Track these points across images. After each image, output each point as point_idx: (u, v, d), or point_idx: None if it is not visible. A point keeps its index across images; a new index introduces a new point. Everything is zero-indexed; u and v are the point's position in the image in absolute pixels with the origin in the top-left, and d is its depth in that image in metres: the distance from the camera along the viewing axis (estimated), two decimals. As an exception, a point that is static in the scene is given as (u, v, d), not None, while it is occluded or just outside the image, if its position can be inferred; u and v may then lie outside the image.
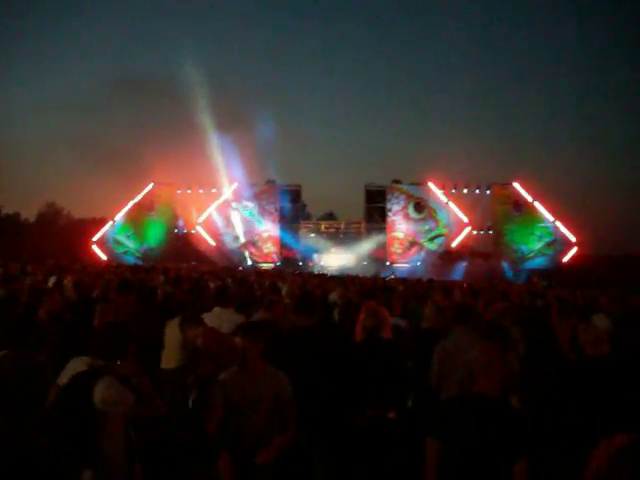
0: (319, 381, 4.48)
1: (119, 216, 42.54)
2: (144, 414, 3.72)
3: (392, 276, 28.08)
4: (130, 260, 38.86)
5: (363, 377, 4.44)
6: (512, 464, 3.09)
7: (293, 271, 29.83)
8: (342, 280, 16.37)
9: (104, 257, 39.82)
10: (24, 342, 4.39)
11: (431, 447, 3.28)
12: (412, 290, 12.14)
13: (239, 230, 43.38)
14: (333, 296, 9.72)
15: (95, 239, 41.31)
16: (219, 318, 6.45)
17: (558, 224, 40.70)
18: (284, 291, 9.75)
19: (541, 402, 4.93)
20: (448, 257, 40.83)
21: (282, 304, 6.84)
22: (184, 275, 15.45)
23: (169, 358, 6.43)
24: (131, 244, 42.47)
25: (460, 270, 38.33)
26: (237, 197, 43.62)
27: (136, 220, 42.80)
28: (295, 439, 4.01)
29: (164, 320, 6.69)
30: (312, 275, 21.76)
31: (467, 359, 4.16)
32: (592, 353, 4.82)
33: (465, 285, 17.47)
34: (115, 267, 23.16)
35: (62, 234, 48.02)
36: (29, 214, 60.38)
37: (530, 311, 8.25)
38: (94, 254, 40.11)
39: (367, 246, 43.16)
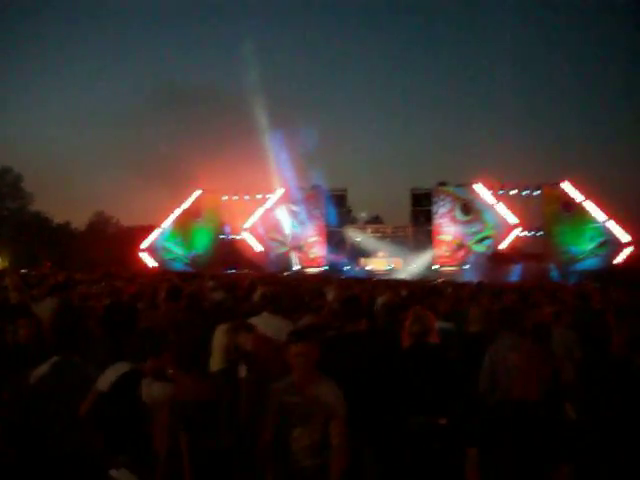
0: (366, 388, 4.37)
1: (167, 223, 43.14)
2: (188, 398, 3.73)
3: (440, 279, 27.67)
4: (178, 267, 39.35)
5: (412, 383, 4.32)
6: (554, 470, 2.98)
7: (340, 275, 29.78)
8: (390, 285, 16.21)
9: (153, 264, 40.36)
10: (75, 349, 4.43)
11: (471, 454, 3.21)
12: (461, 293, 11.94)
13: (286, 235, 43.58)
14: (381, 301, 9.57)
15: (144, 246, 41.91)
16: (266, 323, 6.38)
17: (610, 224, 39.63)
18: (330, 296, 9.65)
19: (598, 408, 4.75)
20: (497, 259, 40.07)
21: (328, 309, 6.75)
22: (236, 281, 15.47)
23: (216, 362, 6.41)
24: (179, 251, 43.02)
25: (511, 272, 37.61)
26: (283, 203, 43.81)
27: (184, 227, 43.35)
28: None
29: (213, 325, 6.66)
30: (359, 279, 21.64)
31: (511, 364, 4.03)
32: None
33: (515, 288, 17.16)
34: (163, 274, 23.36)
35: (112, 242, 48.90)
36: (79, 223, 61.74)
37: (585, 314, 8.00)
38: (143, 261, 40.69)
39: (420, 260, 42.67)
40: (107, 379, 3.81)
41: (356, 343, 4.61)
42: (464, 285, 17.70)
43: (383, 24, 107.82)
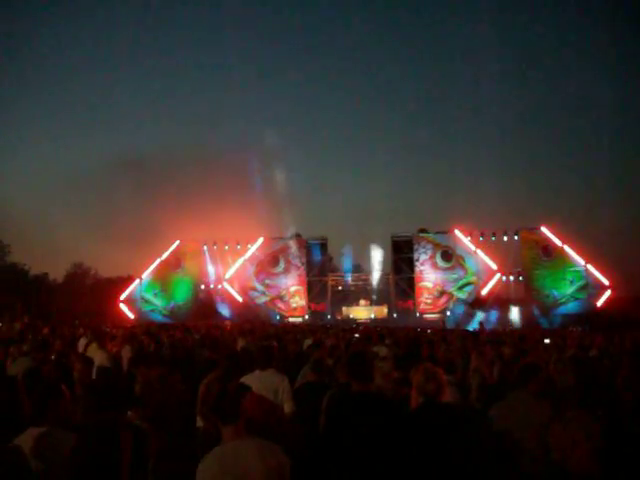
0: (375, 457, 4.05)
1: (146, 274, 42.64)
2: None
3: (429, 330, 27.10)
4: (157, 318, 38.71)
5: (427, 449, 4.00)
6: None
7: (325, 324, 29.50)
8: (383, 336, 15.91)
9: (132, 316, 39.75)
10: (54, 418, 4.02)
11: None
12: (458, 342, 11.72)
13: (267, 284, 43.27)
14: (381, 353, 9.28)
15: (123, 298, 41.34)
16: (259, 380, 6.08)
17: (589, 267, 39.92)
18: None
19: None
20: (480, 304, 40.12)
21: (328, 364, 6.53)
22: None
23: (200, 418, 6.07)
24: (158, 302, 42.41)
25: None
26: (263, 252, 43.60)
27: (163, 278, 42.88)
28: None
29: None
30: (346, 329, 21.39)
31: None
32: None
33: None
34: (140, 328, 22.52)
35: (90, 294, 48.19)
36: (57, 275, 60.69)
37: (585, 363, 7.81)
38: (122, 313, 40.07)
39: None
40: None
41: (365, 405, 4.32)
42: (461, 333, 17.43)
43: (362, 73, 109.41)
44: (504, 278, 41.65)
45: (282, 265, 43.56)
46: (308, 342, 11.47)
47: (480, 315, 37.67)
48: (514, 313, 38.77)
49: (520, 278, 41.85)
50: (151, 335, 13.07)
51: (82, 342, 12.00)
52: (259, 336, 13.75)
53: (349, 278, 46.96)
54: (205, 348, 10.30)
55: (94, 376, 6.85)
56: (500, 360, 7.58)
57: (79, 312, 38.59)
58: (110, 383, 4.65)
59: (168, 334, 14.90)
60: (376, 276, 45.31)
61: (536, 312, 39.04)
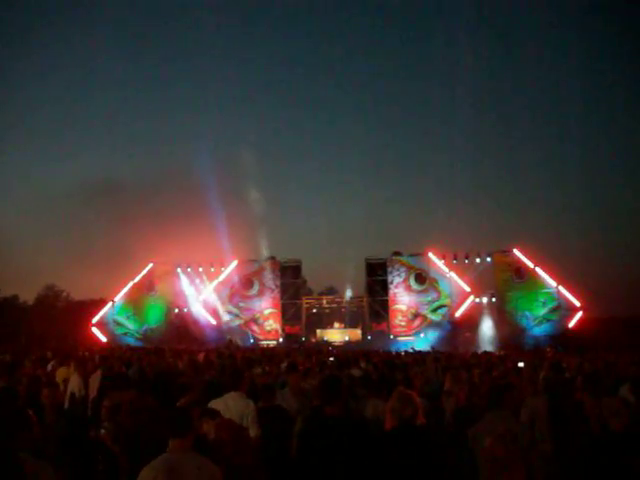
0: (349, 475, 4.07)
1: (119, 297, 42.31)
2: None
3: (403, 352, 27.01)
4: (130, 341, 38.32)
5: (400, 470, 4.03)
6: None
7: (299, 347, 29.46)
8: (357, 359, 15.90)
9: (104, 339, 39.34)
10: (20, 442, 3.93)
11: None
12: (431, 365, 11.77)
13: (240, 307, 43.07)
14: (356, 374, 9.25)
15: (95, 321, 40.94)
16: (226, 404, 6.08)
17: (561, 289, 40.44)
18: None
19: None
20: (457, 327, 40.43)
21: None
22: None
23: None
24: (131, 325, 42.10)
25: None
26: (237, 275, 43.45)
27: (136, 300, 42.57)
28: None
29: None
30: (322, 351, 21.41)
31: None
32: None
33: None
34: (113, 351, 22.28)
35: (61, 316, 47.54)
36: (28, 297, 59.76)
37: (555, 383, 7.88)
38: (94, 336, 39.62)
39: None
40: None
41: (340, 428, 4.32)
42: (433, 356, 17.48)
43: (336, 96, 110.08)
44: (477, 300, 41.93)
45: (256, 288, 43.42)
46: (284, 365, 11.44)
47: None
48: (488, 335, 38.92)
49: (493, 300, 42.18)
50: (122, 360, 12.96)
51: (50, 367, 11.89)
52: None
53: (323, 301, 46.99)
54: (181, 373, 10.20)
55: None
56: (470, 382, 7.63)
57: (50, 335, 38.04)
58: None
59: (138, 357, 14.73)
60: (350, 299, 45.41)
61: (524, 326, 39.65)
